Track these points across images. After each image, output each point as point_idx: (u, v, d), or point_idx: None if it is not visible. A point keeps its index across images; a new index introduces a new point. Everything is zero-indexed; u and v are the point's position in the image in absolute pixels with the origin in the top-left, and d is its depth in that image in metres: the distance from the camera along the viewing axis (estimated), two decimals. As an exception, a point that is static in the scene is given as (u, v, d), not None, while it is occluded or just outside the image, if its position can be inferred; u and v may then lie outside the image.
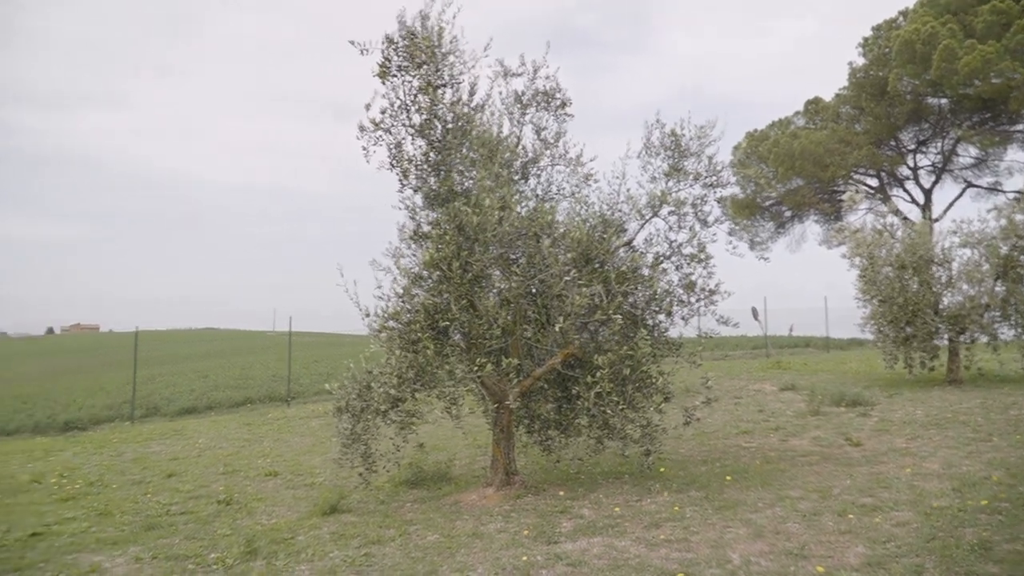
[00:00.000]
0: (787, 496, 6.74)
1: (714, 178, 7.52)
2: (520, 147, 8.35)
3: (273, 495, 8.37)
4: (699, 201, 7.48)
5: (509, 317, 7.28)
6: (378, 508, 7.40)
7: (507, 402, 7.28)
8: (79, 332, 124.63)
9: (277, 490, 8.65)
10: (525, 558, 5.43)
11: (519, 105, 8.35)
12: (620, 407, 6.98)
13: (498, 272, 7.39)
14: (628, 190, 7.77)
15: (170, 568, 5.76)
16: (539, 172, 8.39)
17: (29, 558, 6.23)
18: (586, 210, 7.80)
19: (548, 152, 8.36)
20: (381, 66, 7.07)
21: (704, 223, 7.45)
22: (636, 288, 7.29)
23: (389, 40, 7.23)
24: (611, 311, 6.88)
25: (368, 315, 7.06)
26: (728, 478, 7.54)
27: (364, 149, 7.24)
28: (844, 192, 25.59)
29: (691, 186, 7.59)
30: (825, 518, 5.98)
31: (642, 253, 7.48)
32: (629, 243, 7.68)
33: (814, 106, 33.92)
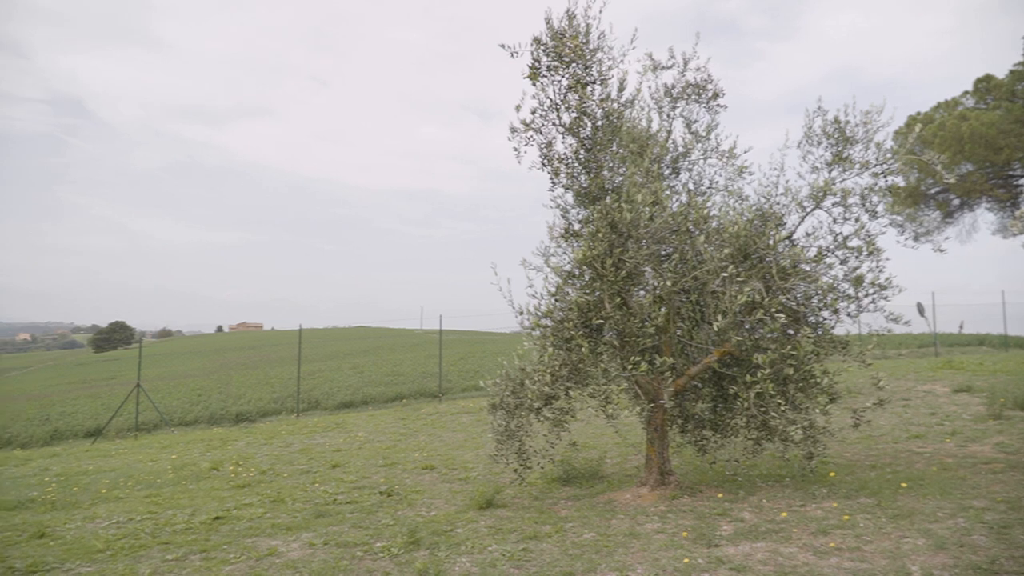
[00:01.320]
0: (970, 506, 6.23)
1: (883, 166, 7.06)
2: (671, 141, 8.18)
3: (430, 488, 8.63)
4: (867, 191, 7.04)
5: (663, 314, 7.15)
6: (532, 504, 7.47)
7: (661, 401, 7.17)
8: (244, 330, 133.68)
9: (434, 483, 8.91)
10: (686, 560, 5.31)
11: (669, 98, 8.19)
12: (782, 408, 6.70)
13: (650, 269, 7.27)
14: (787, 182, 7.43)
15: (340, 554, 6.05)
16: (691, 166, 8.19)
17: (213, 540, 6.72)
18: (741, 204, 7.55)
19: (699, 145, 8.14)
20: (531, 67, 7.14)
21: (873, 214, 7.01)
22: (798, 284, 6.96)
23: (537, 41, 7.29)
24: (772, 308, 6.61)
25: (521, 313, 7.14)
26: (903, 485, 7.07)
27: (515, 150, 7.34)
28: (1021, 177, 23.44)
29: (858, 175, 7.16)
30: (1016, 531, 5.49)
31: (804, 247, 7.13)
32: (789, 237, 7.36)
33: (985, 84, 31.26)
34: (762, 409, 6.75)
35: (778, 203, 7.45)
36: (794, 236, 7.44)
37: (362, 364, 33.17)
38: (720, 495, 7.20)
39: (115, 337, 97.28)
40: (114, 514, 8.07)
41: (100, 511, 8.34)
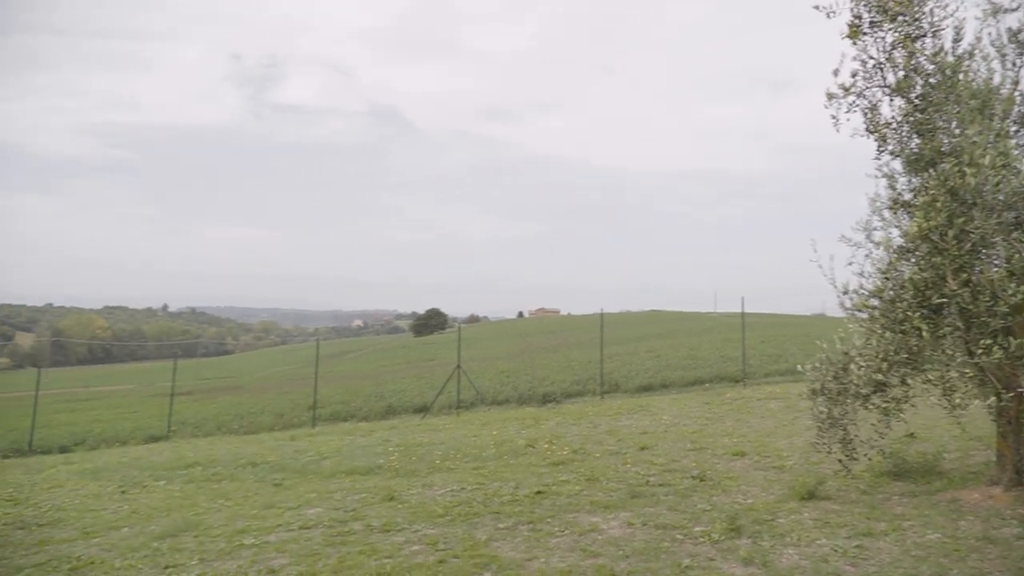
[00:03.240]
0: None
1: None
2: (1017, 93, 7.07)
3: (743, 475, 8.39)
4: None
5: (1020, 291, 6.22)
6: (860, 498, 6.94)
7: (1020, 389, 6.25)
8: (543, 315, 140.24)
9: (746, 470, 8.65)
10: (1065, 575, 4.60)
11: (1015, 44, 7.08)
12: None
13: (1001, 240, 6.36)
14: None
15: (659, 536, 6.10)
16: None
17: (538, 513, 7.12)
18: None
19: (1055, 95, 6.94)
20: (851, 25, 6.57)
21: None
22: None
23: (856, -4, 6.68)
24: None
25: (846, 292, 6.63)
26: None
27: (833, 118, 6.80)
28: None
29: None
30: None
31: None
32: None
33: None
34: None
35: None
36: None
37: (658, 348, 33.23)
38: (1101, 502, 6.14)
39: (431, 323, 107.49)
40: (448, 483, 8.89)
41: (435, 479, 9.24)
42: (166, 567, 6.09)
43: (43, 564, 6.42)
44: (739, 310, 23.84)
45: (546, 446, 11.09)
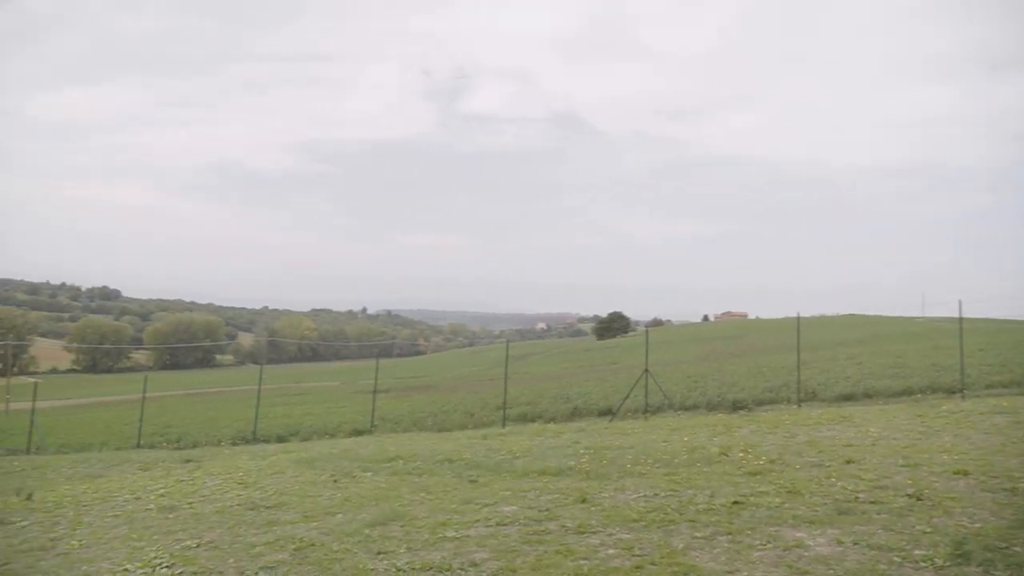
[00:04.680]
0: None
1: None
2: None
3: (968, 496, 7.65)
4: None
5: None
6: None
7: None
8: (729, 319, 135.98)
9: (971, 491, 7.88)
10: None
11: None
12: None
13: None
14: None
15: (874, 557, 5.70)
16: None
17: (736, 524, 6.88)
18: None
19: None
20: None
21: None
22: None
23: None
24: None
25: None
26: None
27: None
28: None
29: None
30: None
31: None
32: None
33: None
34: None
35: None
36: None
37: (858, 354, 31.15)
38: None
39: (614, 326, 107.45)
40: (640, 488, 8.81)
41: (627, 484, 9.18)
42: (378, 553, 6.50)
43: (272, 543, 7.05)
44: (950, 314, 21.83)
45: (740, 455, 10.71)
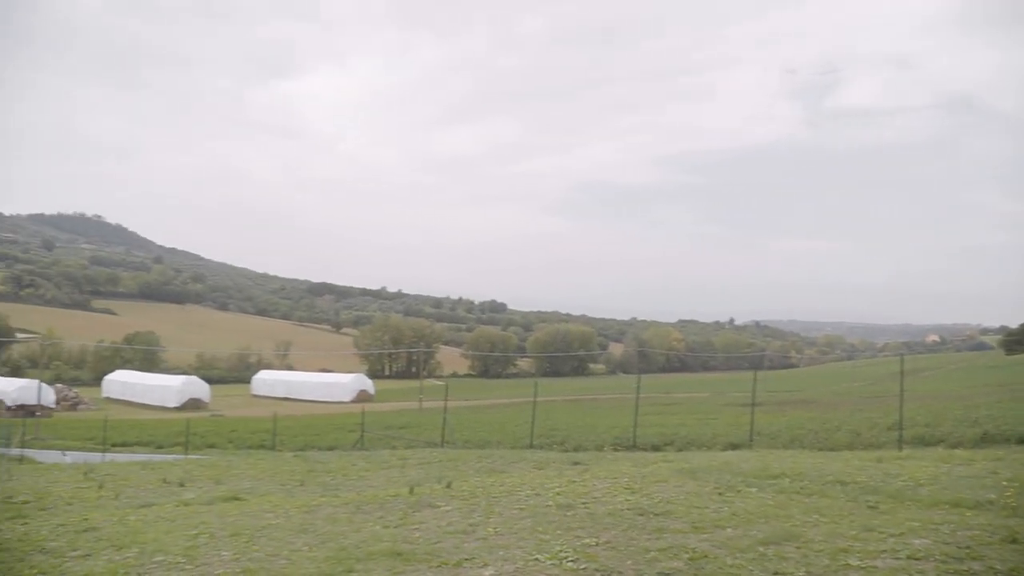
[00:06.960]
0: None
1: None
2: None
3: None
4: None
5: None
6: None
7: None
8: None
9: None
10: None
11: None
12: None
13: None
14: None
15: None
16: None
17: None
18: None
19: None
20: None
21: None
22: None
23: None
24: None
25: None
26: None
27: None
28: None
29: None
30: None
31: None
32: None
33: None
34: None
35: None
36: None
37: None
38: None
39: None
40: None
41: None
42: (775, 573, 6.30)
43: (665, 549, 7.21)
44: None
45: None
